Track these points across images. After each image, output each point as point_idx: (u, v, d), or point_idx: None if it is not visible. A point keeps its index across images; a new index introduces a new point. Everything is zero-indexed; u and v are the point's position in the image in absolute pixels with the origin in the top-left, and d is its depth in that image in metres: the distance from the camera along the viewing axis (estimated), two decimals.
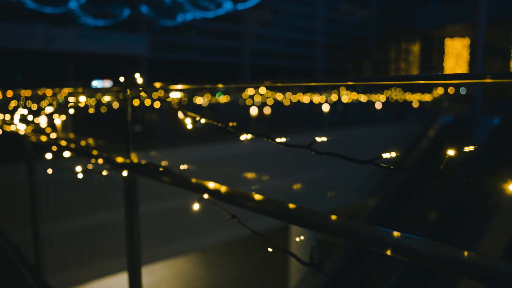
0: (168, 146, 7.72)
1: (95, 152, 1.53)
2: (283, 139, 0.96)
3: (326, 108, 12.80)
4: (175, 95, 1.46)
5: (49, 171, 1.73)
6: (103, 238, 6.65)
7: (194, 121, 1.14)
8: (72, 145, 1.72)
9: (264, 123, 11.22)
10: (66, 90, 2.38)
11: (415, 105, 16.53)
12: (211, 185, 0.98)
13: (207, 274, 12.55)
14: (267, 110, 11.14)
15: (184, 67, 37.97)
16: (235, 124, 1.02)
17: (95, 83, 31.54)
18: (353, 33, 51.40)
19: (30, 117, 2.31)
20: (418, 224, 10.17)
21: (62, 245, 6.10)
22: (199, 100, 13.75)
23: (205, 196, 0.98)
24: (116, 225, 6.75)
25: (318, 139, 0.84)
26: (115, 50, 31.34)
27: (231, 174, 8.03)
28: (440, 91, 17.52)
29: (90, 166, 1.65)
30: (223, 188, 0.96)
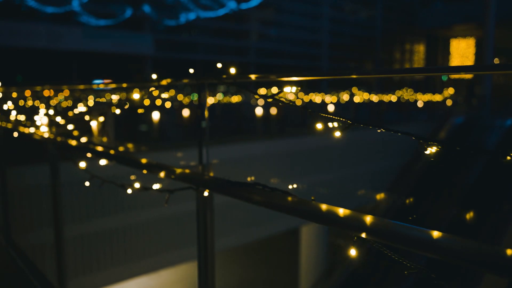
0: (181, 147, 7.49)
1: (144, 161, 1.28)
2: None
3: (335, 108, 12.57)
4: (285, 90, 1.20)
5: (87, 184, 1.48)
6: (116, 242, 6.43)
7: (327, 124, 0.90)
8: (112, 152, 1.48)
9: (276, 123, 11.02)
10: (111, 85, 2.12)
11: (426, 105, 16.29)
12: (372, 220, 0.71)
13: None
14: (278, 111, 10.94)
15: (188, 66, 37.70)
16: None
17: (97, 83, 31.24)
18: (358, 33, 51.15)
19: (57, 119, 2.06)
20: (436, 223, 9.94)
21: (74, 250, 5.88)
22: (210, 100, 13.48)
23: (363, 235, 0.71)
24: (129, 228, 6.53)
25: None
26: (119, 49, 31.12)
27: (240, 176, 7.79)
28: (450, 91, 17.28)
29: (133, 177, 1.41)
30: (389, 224, 0.69)
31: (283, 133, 10.57)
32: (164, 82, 1.41)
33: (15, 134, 2.67)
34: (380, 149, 11.09)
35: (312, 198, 0.79)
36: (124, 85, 2.21)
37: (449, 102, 17.17)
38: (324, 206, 0.75)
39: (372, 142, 10.72)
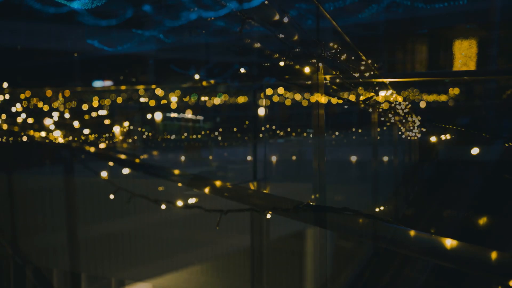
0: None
1: (177, 172, 1.13)
2: None
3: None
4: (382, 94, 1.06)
5: (111, 196, 1.34)
6: (120, 246, 6.30)
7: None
8: (137, 160, 1.34)
9: (280, 124, 10.92)
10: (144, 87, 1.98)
11: (430, 105, 16.12)
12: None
13: (217, 280, 12.19)
14: (283, 111, 10.80)
15: (190, 66, 37.72)
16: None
17: (98, 84, 31.24)
18: (360, 33, 51.06)
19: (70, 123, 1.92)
20: (443, 229, 9.83)
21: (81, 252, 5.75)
22: (216, 101, 13.27)
23: None
24: (133, 231, 6.39)
25: None
26: (120, 49, 31.01)
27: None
28: (456, 91, 17.12)
29: (160, 188, 1.27)
30: None
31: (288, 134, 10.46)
32: (204, 83, 1.27)
33: (25, 138, 2.54)
34: (381, 150, 10.98)
35: (432, 231, 0.65)
36: (153, 86, 2.08)
37: (451, 102, 17.00)
38: (461, 246, 0.62)
39: (376, 143, 10.60)
